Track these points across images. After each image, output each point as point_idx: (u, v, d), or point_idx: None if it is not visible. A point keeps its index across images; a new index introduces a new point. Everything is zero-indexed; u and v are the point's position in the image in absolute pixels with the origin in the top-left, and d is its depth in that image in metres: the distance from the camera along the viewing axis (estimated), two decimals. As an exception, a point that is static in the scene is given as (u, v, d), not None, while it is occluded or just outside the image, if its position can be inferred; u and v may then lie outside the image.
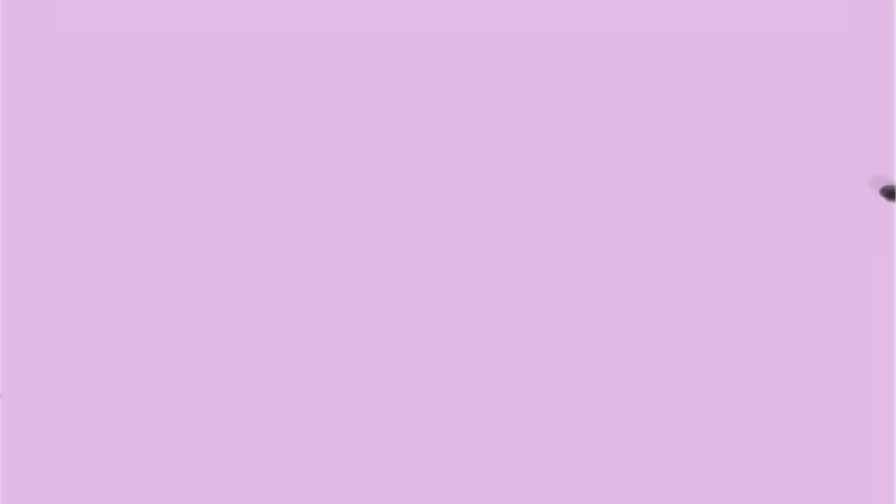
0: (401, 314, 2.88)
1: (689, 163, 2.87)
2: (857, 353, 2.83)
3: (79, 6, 2.95)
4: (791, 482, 2.82)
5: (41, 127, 2.93)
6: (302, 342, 2.90)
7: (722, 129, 2.83)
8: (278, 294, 2.91)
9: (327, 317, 2.90)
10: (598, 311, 2.85)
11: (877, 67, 2.88)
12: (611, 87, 2.84)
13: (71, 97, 2.95)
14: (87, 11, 2.95)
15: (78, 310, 2.91)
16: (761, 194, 2.85)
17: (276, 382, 2.90)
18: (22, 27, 2.94)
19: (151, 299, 2.91)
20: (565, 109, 2.90)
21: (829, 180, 2.81)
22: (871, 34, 2.86)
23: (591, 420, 2.85)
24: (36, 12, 2.94)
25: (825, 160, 2.81)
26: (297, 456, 2.87)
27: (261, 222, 2.92)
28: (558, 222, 2.85)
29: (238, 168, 2.94)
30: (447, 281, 2.88)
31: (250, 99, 2.93)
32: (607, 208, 2.86)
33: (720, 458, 2.83)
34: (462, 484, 2.85)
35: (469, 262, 2.88)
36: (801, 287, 2.82)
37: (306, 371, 2.89)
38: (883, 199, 2.68)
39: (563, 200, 2.87)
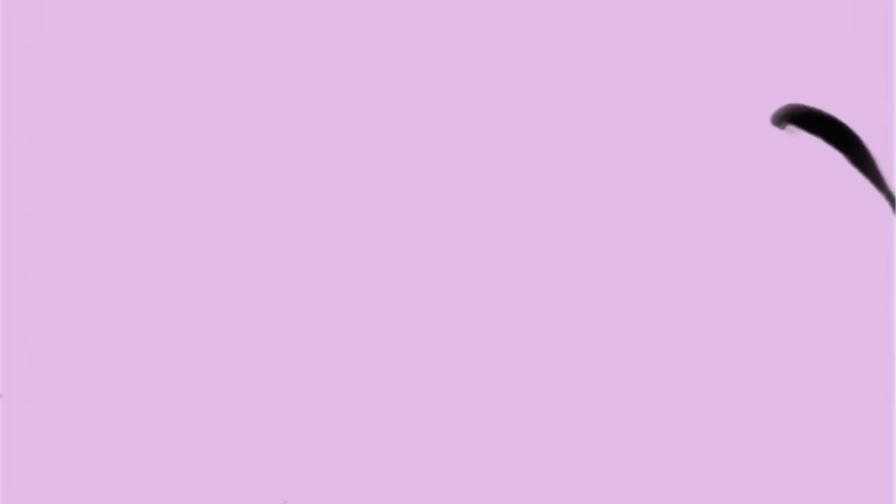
0: (397, 316, 2.88)
1: (687, 163, 2.87)
2: (856, 351, 2.83)
3: (70, 6, 2.95)
4: (790, 482, 2.83)
5: (33, 128, 2.93)
6: (300, 341, 2.90)
7: (723, 130, 2.83)
8: (277, 294, 2.91)
9: (324, 318, 2.90)
10: (595, 309, 2.86)
11: (877, 67, 2.89)
12: (609, 87, 2.84)
13: (64, 98, 2.94)
14: (77, 12, 2.94)
15: (76, 309, 2.91)
16: (763, 194, 2.85)
17: (275, 382, 2.90)
18: (11, 27, 2.93)
19: (150, 299, 2.91)
20: (563, 110, 2.90)
21: (828, 180, 2.81)
22: (871, 34, 2.86)
23: (589, 421, 2.85)
24: (26, 12, 2.93)
25: (825, 159, 2.81)
26: (295, 454, 2.87)
27: (258, 224, 2.91)
28: (555, 224, 2.85)
29: (234, 169, 2.93)
30: (445, 281, 2.88)
31: (247, 99, 2.93)
32: (606, 209, 2.86)
33: (719, 459, 2.83)
34: (457, 485, 2.86)
35: (467, 264, 2.88)
36: (804, 287, 2.82)
37: (304, 371, 2.88)
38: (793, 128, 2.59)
39: (561, 201, 2.87)
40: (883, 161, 2.70)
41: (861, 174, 2.65)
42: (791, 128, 2.65)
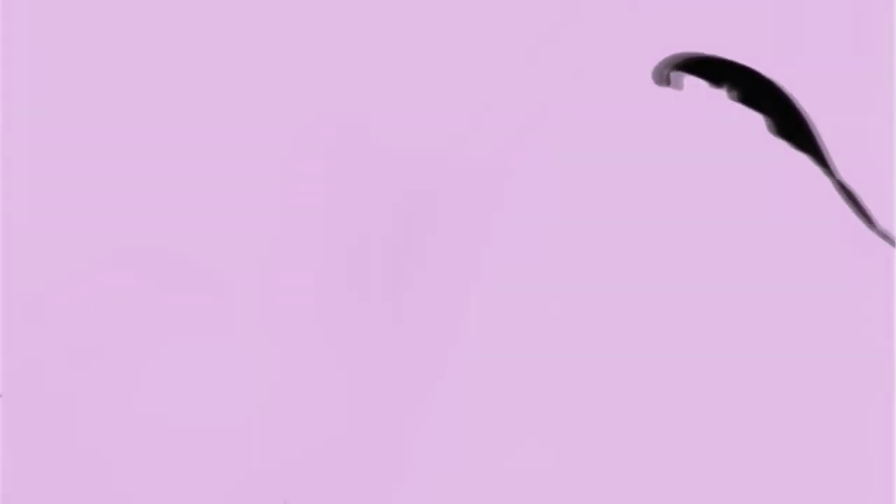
0: (395, 316, 2.87)
1: (687, 164, 2.86)
2: (856, 351, 2.82)
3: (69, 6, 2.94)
4: (791, 481, 2.82)
5: (33, 127, 2.92)
6: (299, 342, 2.89)
7: (722, 129, 2.82)
8: (276, 294, 2.90)
9: (323, 318, 2.89)
10: (595, 309, 2.85)
11: (877, 67, 2.88)
12: (606, 87, 2.83)
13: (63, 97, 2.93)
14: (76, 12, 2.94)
15: (76, 309, 2.90)
16: (764, 196, 2.84)
17: (275, 383, 2.89)
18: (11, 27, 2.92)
19: (149, 298, 2.90)
20: (560, 109, 2.89)
21: (828, 181, 2.80)
22: (871, 35, 2.85)
23: (587, 419, 2.84)
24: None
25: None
26: (295, 454, 2.86)
27: (256, 223, 2.90)
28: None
29: (232, 168, 2.92)
30: (442, 281, 2.87)
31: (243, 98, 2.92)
32: (611, 214, 2.85)
33: (722, 458, 2.83)
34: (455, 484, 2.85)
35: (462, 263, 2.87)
36: (805, 286, 2.81)
37: (304, 371, 2.88)
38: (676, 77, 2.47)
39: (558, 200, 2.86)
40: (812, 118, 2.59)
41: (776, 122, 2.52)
42: (677, 75, 2.54)
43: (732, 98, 2.45)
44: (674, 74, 2.48)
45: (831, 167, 2.48)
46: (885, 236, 2.40)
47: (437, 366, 2.90)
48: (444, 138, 2.88)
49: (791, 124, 2.48)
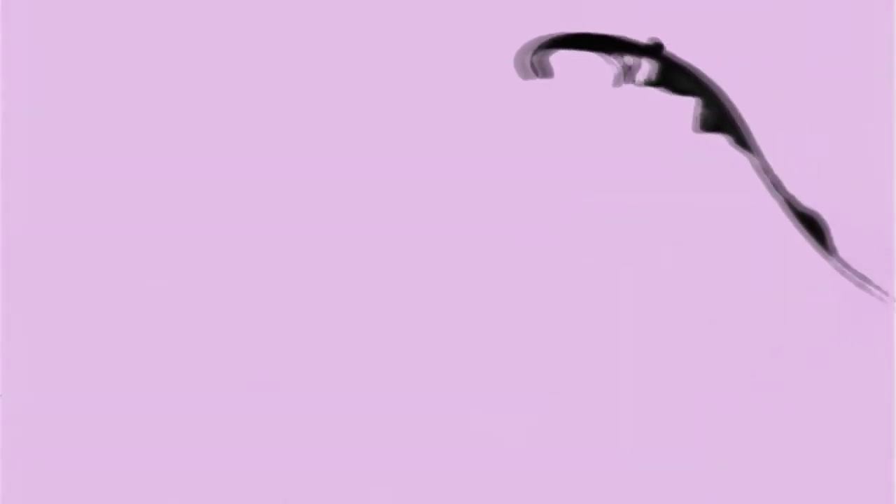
0: (394, 316, 2.87)
1: (686, 164, 2.86)
2: (856, 352, 2.82)
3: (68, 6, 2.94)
4: (790, 482, 2.82)
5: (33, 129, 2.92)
6: (299, 341, 2.89)
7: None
8: (276, 295, 2.90)
9: (323, 318, 2.89)
10: (592, 310, 2.85)
11: (877, 66, 2.87)
12: (602, 87, 2.83)
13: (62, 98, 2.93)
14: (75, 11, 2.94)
15: (76, 310, 2.91)
16: (760, 204, 2.84)
17: (275, 382, 2.89)
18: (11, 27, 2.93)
19: (150, 299, 2.90)
20: (558, 109, 2.89)
21: (826, 183, 2.80)
22: (871, 35, 2.85)
23: (586, 420, 2.85)
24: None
25: (824, 162, 2.80)
26: (295, 454, 2.86)
27: (255, 225, 2.90)
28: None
29: (232, 171, 2.92)
30: (440, 282, 2.87)
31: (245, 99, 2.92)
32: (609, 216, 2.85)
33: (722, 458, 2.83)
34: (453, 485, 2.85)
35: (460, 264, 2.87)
36: (806, 285, 2.81)
37: (304, 371, 2.88)
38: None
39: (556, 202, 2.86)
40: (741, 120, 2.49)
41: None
42: (541, 55, 2.46)
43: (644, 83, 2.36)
44: (536, 58, 2.40)
45: (765, 167, 2.38)
46: (839, 265, 2.34)
47: (435, 366, 2.90)
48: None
49: (713, 110, 2.37)
